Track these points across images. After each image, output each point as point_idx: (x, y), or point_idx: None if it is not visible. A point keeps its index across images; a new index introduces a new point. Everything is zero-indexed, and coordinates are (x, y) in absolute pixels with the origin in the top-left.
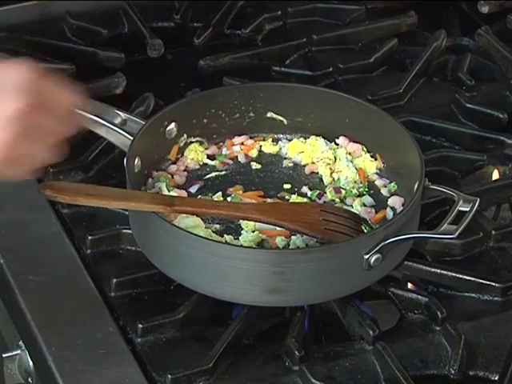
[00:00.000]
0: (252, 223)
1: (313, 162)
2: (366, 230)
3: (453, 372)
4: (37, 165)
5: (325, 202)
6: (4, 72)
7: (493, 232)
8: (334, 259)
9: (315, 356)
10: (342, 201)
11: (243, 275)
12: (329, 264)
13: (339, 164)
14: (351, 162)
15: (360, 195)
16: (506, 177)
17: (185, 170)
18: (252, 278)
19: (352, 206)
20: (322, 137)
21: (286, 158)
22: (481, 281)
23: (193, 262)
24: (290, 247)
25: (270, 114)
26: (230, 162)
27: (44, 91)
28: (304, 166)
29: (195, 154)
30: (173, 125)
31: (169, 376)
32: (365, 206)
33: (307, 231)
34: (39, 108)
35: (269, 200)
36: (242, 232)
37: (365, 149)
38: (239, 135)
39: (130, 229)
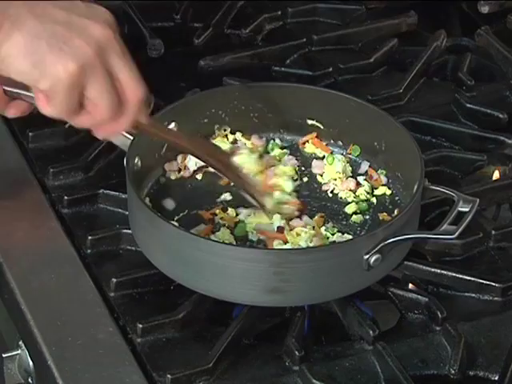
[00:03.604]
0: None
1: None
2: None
3: (453, 372)
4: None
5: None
6: (90, 5)
7: (493, 232)
8: (333, 259)
9: (315, 356)
10: None
11: (243, 275)
12: (329, 264)
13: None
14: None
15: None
16: (506, 177)
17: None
18: (252, 278)
19: None
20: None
21: None
22: (481, 281)
23: (193, 262)
24: None
25: (270, 114)
26: None
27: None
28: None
29: None
30: (173, 125)
31: (169, 376)
32: None
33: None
34: (121, 45)
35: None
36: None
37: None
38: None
39: (130, 229)
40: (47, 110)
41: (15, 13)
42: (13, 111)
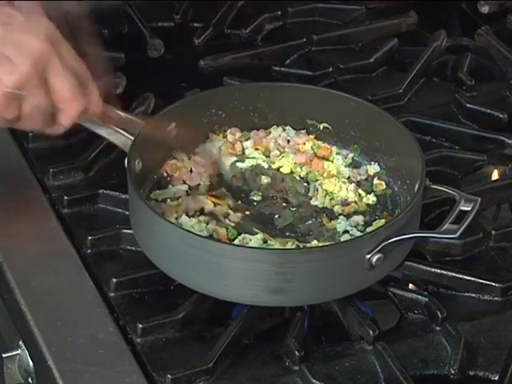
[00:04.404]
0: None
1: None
2: None
3: (453, 372)
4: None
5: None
6: (29, 16)
7: (493, 232)
8: (335, 259)
9: (315, 356)
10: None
11: (245, 275)
12: (331, 264)
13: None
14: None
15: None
16: (506, 177)
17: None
18: (253, 278)
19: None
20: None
21: None
22: (481, 281)
23: (194, 261)
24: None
25: (270, 115)
26: None
27: (62, 45)
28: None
29: None
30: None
31: (169, 376)
32: None
33: None
34: (59, 59)
35: None
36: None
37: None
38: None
39: (130, 229)
40: None
41: None
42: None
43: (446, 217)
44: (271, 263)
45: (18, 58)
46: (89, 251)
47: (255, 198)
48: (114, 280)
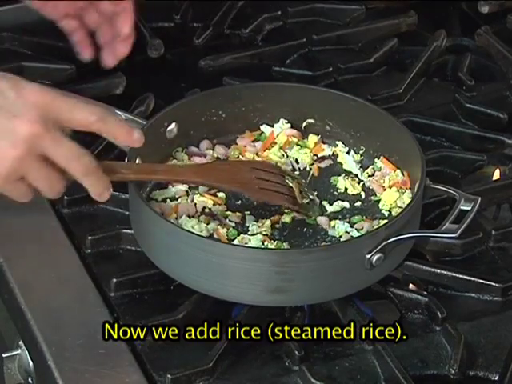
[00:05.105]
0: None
1: None
2: (290, 184)
3: (453, 372)
4: (30, 193)
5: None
6: (19, 93)
7: (493, 232)
8: (335, 259)
9: (315, 356)
10: None
11: (245, 275)
12: (331, 263)
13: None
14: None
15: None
16: (506, 177)
17: None
18: (254, 278)
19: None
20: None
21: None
22: (481, 281)
23: (195, 261)
24: None
25: (270, 114)
26: None
27: (59, 113)
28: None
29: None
30: (173, 125)
31: (169, 376)
32: None
33: (243, 191)
34: (52, 134)
35: None
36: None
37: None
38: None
39: (130, 229)
40: None
41: None
42: None
43: (446, 217)
44: (271, 263)
45: (6, 144)
46: (89, 251)
47: None
48: (114, 280)
